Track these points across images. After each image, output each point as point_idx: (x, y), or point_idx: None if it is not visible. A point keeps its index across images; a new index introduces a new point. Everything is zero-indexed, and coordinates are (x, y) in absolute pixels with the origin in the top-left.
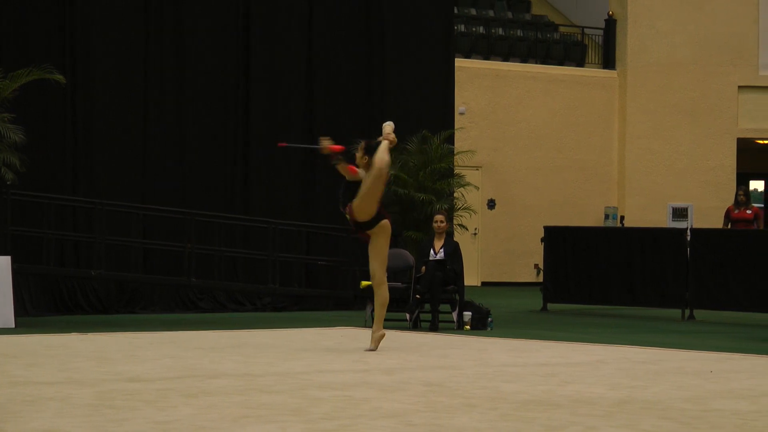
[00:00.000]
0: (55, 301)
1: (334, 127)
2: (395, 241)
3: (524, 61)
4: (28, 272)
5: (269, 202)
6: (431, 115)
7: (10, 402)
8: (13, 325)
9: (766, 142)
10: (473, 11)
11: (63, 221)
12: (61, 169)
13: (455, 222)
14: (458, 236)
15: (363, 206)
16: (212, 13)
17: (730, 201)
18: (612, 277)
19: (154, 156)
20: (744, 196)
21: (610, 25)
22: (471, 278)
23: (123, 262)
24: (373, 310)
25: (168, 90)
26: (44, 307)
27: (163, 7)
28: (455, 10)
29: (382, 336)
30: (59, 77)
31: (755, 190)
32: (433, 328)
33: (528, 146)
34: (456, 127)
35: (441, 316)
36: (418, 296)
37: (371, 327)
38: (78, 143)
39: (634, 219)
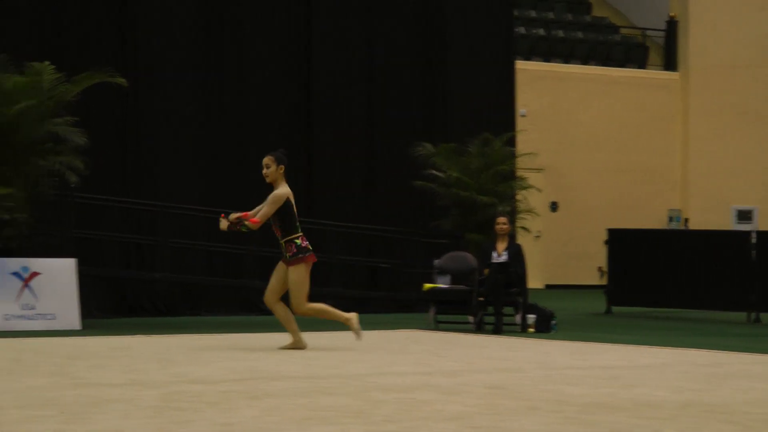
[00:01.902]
0: (120, 303)
1: (395, 131)
2: (457, 243)
3: (585, 63)
4: (93, 275)
5: (331, 204)
6: (492, 118)
7: (75, 403)
8: (79, 327)
9: None
10: (533, 13)
11: (126, 224)
12: (124, 172)
13: (517, 224)
14: (520, 239)
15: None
16: (273, 18)
17: None
18: (676, 280)
19: (216, 158)
20: None
21: (672, 27)
22: (534, 281)
23: (186, 264)
24: (435, 313)
25: (228, 93)
26: (109, 309)
27: (224, 11)
28: (515, 12)
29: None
30: (121, 80)
31: None
32: (497, 330)
33: (589, 148)
34: (517, 129)
35: (504, 319)
36: (481, 299)
37: (434, 329)
38: (140, 146)
39: (697, 221)
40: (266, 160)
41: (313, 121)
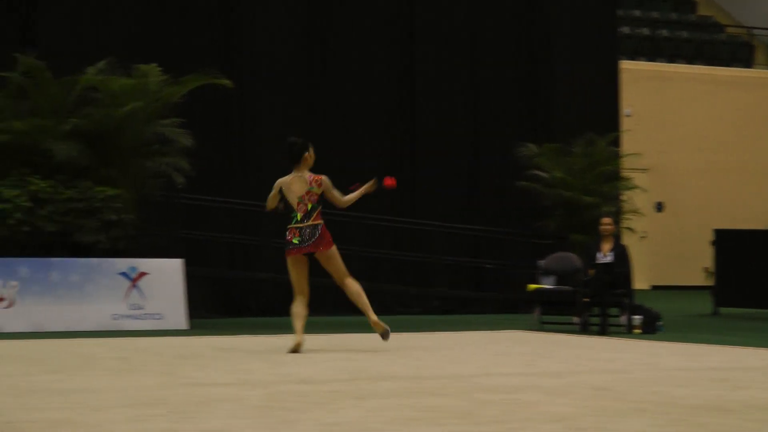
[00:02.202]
0: (226, 303)
1: (498, 131)
2: (562, 244)
3: (690, 62)
4: (200, 275)
5: (435, 205)
6: (597, 118)
7: (183, 403)
8: (186, 327)
9: None
10: (638, 13)
11: (232, 224)
12: (229, 173)
13: (622, 225)
14: (626, 239)
15: None
16: (375, 15)
17: None
18: None
19: (319, 160)
20: None
21: None
22: (640, 282)
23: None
24: (540, 313)
25: (333, 94)
26: (216, 309)
27: (326, 10)
28: (619, 12)
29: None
30: (226, 82)
31: None
32: (602, 331)
33: (695, 148)
34: (622, 129)
35: (610, 320)
36: (586, 299)
37: (539, 330)
38: (245, 147)
39: None
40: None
41: (417, 121)
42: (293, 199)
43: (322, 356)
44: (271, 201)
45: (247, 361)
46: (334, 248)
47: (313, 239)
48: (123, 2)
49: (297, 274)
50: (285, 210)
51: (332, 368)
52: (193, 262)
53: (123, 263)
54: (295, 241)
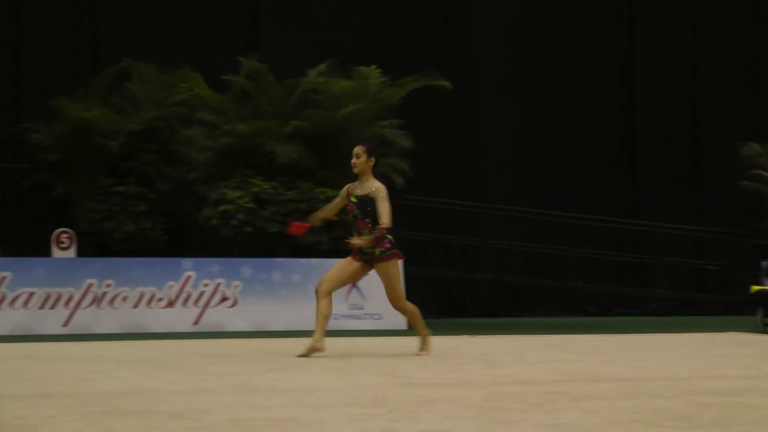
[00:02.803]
0: (445, 304)
1: (719, 131)
2: None
3: None
4: (419, 275)
5: (655, 205)
6: None
7: (402, 402)
8: (405, 327)
9: None
10: None
11: (451, 225)
12: (447, 174)
13: None
14: None
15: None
16: (593, 15)
17: None
18: None
19: (537, 161)
20: None
21: None
22: None
23: (509, 265)
24: (764, 315)
25: (550, 94)
26: (434, 309)
27: (543, 12)
28: None
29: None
30: (445, 83)
31: None
32: None
33: None
34: None
35: None
36: None
37: (761, 332)
38: (464, 148)
39: None
40: (357, 149)
41: (636, 122)
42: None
43: (540, 357)
44: (331, 208)
45: (466, 361)
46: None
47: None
48: (343, 5)
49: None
50: (321, 224)
51: (549, 369)
52: (411, 263)
53: None
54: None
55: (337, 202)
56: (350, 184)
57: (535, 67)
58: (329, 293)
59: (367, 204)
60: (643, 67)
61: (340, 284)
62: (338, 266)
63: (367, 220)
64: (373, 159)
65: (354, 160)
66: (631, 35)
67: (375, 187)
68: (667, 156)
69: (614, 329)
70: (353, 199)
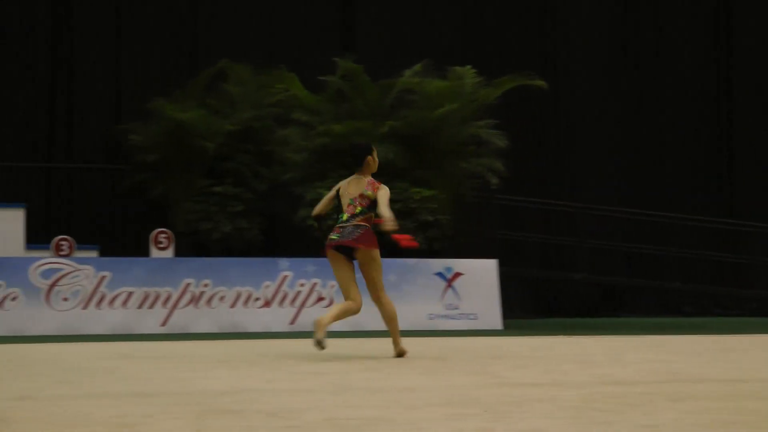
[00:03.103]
0: (540, 304)
1: None
2: None
3: None
4: (514, 275)
5: (756, 205)
6: None
7: (498, 402)
8: (501, 327)
9: None
10: None
11: (546, 225)
12: (542, 174)
13: None
14: None
15: None
16: (689, 12)
17: None
18: None
19: (635, 158)
20: None
21: None
22: None
23: (606, 265)
24: None
25: (645, 93)
26: (530, 309)
27: (638, 12)
28: None
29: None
30: (541, 83)
31: None
32: None
33: None
34: None
35: None
36: None
37: None
38: (560, 148)
39: None
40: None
41: (734, 121)
42: (345, 201)
43: (637, 357)
44: (324, 204)
45: (561, 361)
46: (376, 252)
47: (353, 236)
48: (439, 5)
49: (340, 276)
50: (320, 228)
51: (646, 370)
52: (507, 263)
53: (438, 264)
54: (333, 237)
55: (331, 195)
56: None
57: (631, 66)
58: (375, 299)
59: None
60: (742, 66)
61: (353, 284)
62: (336, 277)
63: (373, 213)
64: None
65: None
66: (728, 33)
67: (385, 189)
68: (766, 155)
69: (712, 330)
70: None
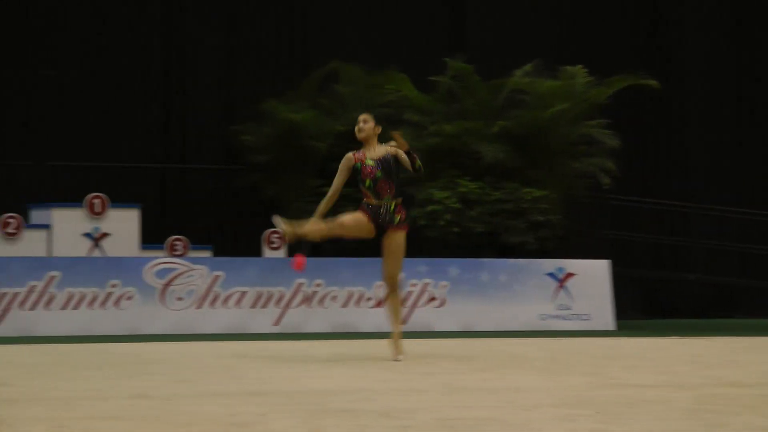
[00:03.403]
0: (653, 304)
1: None
2: None
3: None
4: (626, 276)
5: None
6: None
7: (611, 404)
8: (613, 328)
9: None
10: None
11: (659, 225)
12: (655, 174)
13: None
14: None
15: None
16: None
17: None
18: None
19: (750, 161)
20: None
21: None
22: None
23: (720, 265)
24: None
25: (760, 97)
26: (643, 310)
27: (755, 14)
28: None
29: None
30: (653, 82)
31: None
32: None
33: None
34: None
35: None
36: None
37: None
38: (672, 147)
39: None
40: (365, 116)
41: None
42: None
43: (752, 359)
44: (332, 196)
45: (675, 362)
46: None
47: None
48: (550, 4)
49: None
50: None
51: (762, 371)
52: (619, 263)
53: (550, 264)
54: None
55: (339, 181)
56: (353, 153)
57: (744, 66)
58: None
59: (390, 162)
60: None
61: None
62: (351, 220)
63: (390, 182)
64: (379, 127)
65: (362, 125)
66: None
67: (391, 146)
68: None
69: None
70: (370, 162)
